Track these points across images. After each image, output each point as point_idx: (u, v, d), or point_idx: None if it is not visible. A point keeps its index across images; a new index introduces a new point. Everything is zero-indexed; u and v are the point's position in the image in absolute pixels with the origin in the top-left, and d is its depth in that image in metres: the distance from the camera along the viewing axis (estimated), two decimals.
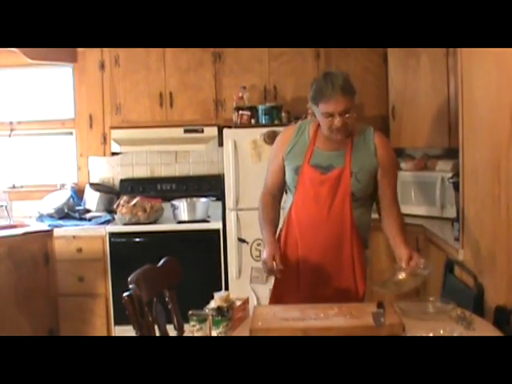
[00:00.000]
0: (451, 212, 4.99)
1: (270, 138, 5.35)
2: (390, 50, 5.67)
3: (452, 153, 4.56)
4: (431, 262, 4.76)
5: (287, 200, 3.69)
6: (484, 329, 2.83)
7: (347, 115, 3.35)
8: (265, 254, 3.45)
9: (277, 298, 3.59)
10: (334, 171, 3.47)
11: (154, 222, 5.81)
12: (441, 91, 5.20)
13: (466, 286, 3.45)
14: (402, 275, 3.27)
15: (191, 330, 2.90)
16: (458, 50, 3.80)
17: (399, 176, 5.57)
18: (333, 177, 3.46)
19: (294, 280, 3.57)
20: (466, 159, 3.76)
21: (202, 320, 2.90)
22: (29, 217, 6.27)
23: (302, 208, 3.54)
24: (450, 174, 4.98)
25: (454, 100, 4.97)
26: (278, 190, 3.71)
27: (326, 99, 3.33)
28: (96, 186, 6.30)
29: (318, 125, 3.53)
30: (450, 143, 5.09)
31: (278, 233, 3.68)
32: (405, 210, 5.57)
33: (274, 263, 3.39)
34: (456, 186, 4.40)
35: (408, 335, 2.73)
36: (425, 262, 3.27)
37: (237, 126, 5.60)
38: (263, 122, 5.65)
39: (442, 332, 2.73)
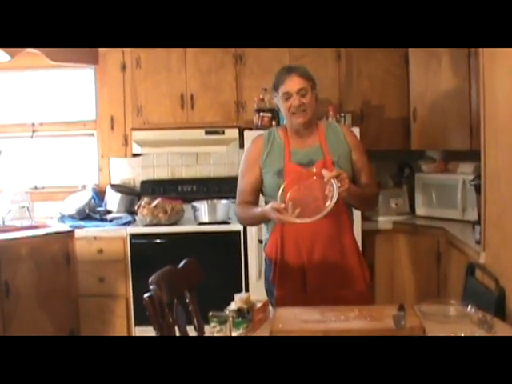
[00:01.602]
0: (472, 215, 4.96)
1: None
2: (411, 51, 5.65)
3: (473, 155, 4.53)
4: (452, 265, 4.75)
5: None
6: (505, 332, 2.80)
7: (305, 97, 3.54)
8: (273, 215, 3.33)
9: (282, 300, 3.54)
10: (318, 164, 3.53)
11: (175, 224, 5.82)
12: (462, 92, 5.17)
13: (487, 289, 3.42)
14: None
15: (211, 331, 2.90)
16: (480, 50, 3.77)
17: (420, 178, 5.60)
18: (319, 167, 3.48)
19: (300, 280, 3.57)
20: (488, 161, 3.73)
21: (223, 321, 2.90)
22: (50, 218, 6.30)
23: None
24: (471, 177, 4.95)
25: (475, 101, 4.94)
26: (254, 199, 3.73)
27: (282, 81, 3.56)
28: (117, 188, 6.32)
29: (286, 129, 3.70)
30: (471, 145, 5.06)
31: (265, 240, 3.73)
32: (426, 212, 5.61)
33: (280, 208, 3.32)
34: (477, 189, 4.37)
35: None
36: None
37: (258, 128, 5.58)
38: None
39: (462, 335, 2.72)
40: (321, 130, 3.67)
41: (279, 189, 3.46)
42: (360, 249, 3.79)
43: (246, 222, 3.95)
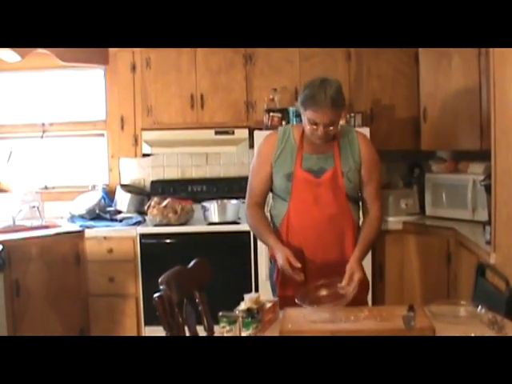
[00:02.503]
0: (483, 215, 4.95)
1: None
2: (421, 51, 5.63)
3: (484, 155, 4.52)
4: (462, 266, 4.74)
5: (276, 207, 3.72)
6: None
7: (331, 128, 3.40)
8: (280, 261, 3.43)
9: (284, 300, 3.47)
10: (327, 173, 3.54)
11: (185, 224, 5.82)
12: (473, 92, 5.15)
13: (497, 289, 3.41)
14: (324, 292, 3.24)
15: (221, 331, 2.90)
16: (491, 50, 3.76)
17: (430, 178, 5.58)
18: (328, 178, 3.53)
19: (302, 282, 3.53)
20: (498, 161, 3.73)
21: (232, 321, 2.90)
22: (60, 217, 6.32)
23: (303, 212, 3.57)
24: (481, 177, 4.94)
25: (485, 101, 4.92)
26: (264, 199, 3.74)
27: (315, 108, 3.35)
28: (127, 188, 6.33)
29: (303, 129, 3.56)
30: (481, 145, 5.04)
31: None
32: (436, 212, 5.59)
33: (292, 264, 3.38)
34: (488, 189, 4.36)
35: None
36: (353, 289, 3.29)
37: (267, 128, 5.58)
38: (294, 123, 5.62)
39: (472, 336, 2.71)
40: (338, 136, 3.57)
41: (287, 193, 3.54)
42: None
43: (254, 233, 3.86)
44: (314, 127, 3.40)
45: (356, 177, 3.58)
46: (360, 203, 3.73)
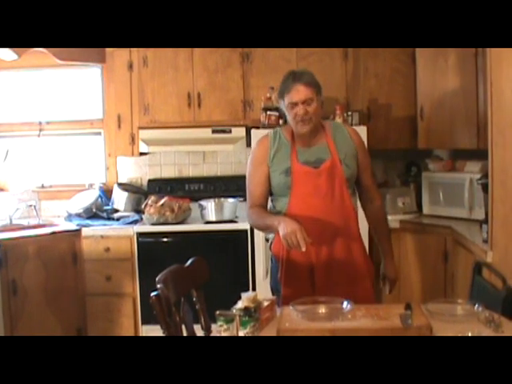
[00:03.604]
0: (480, 213, 4.95)
1: None
2: (418, 50, 5.64)
3: (481, 154, 4.52)
4: (459, 264, 4.75)
5: (276, 206, 3.73)
6: None
7: (310, 107, 3.56)
8: (284, 229, 3.28)
9: (289, 299, 3.39)
10: (326, 162, 3.61)
11: (182, 222, 5.82)
12: (469, 92, 5.15)
13: (494, 288, 3.42)
14: (322, 309, 3.12)
15: (218, 330, 2.90)
16: (487, 50, 3.77)
17: (427, 177, 5.59)
18: (327, 167, 3.60)
19: (307, 279, 3.60)
20: (495, 160, 3.73)
21: (230, 320, 2.90)
22: (57, 216, 6.32)
23: (304, 204, 3.60)
24: (478, 176, 4.94)
25: (482, 100, 4.93)
26: (264, 202, 3.75)
27: (288, 90, 3.57)
28: (124, 186, 6.33)
29: (292, 129, 3.69)
30: (478, 144, 5.05)
31: (271, 239, 3.76)
32: (433, 211, 5.60)
33: (299, 235, 3.25)
34: (485, 188, 4.37)
35: None
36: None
37: (265, 127, 5.58)
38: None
39: (469, 334, 2.72)
40: (327, 129, 3.71)
41: (287, 188, 3.57)
42: (365, 244, 3.88)
43: (258, 225, 3.81)
44: (295, 110, 3.56)
45: (353, 163, 3.68)
46: (353, 190, 3.81)
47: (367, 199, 3.85)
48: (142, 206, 5.87)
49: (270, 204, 3.79)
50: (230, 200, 5.92)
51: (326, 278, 3.58)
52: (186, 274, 3.37)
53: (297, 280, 3.58)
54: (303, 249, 3.24)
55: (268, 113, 5.63)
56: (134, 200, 6.20)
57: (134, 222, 5.90)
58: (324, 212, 3.58)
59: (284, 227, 3.30)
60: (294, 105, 3.55)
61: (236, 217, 5.84)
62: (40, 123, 6.50)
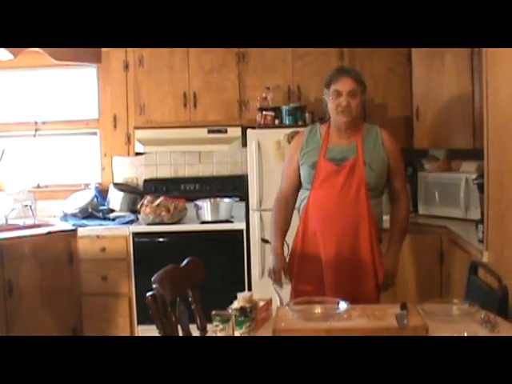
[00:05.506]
0: (475, 213, 4.96)
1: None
2: (414, 50, 5.64)
3: (476, 154, 4.53)
4: (455, 264, 4.75)
5: (301, 196, 3.91)
6: (508, 331, 2.81)
7: (353, 99, 3.75)
8: (272, 264, 3.84)
9: (300, 292, 3.70)
10: (349, 161, 3.72)
11: (178, 222, 5.82)
12: (465, 91, 5.15)
13: (490, 288, 3.42)
14: (318, 309, 3.12)
15: (214, 330, 2.91)
16: (483, 50, 3.77)
17: (423, 177, 5.59)
18: (348, 166, 3.71)
19: (318, 269, 3.73)
20: (491, 160, 3.73)
21: (225, 320, 2.91)
22: (53, 216, 6.31)
23: (320, 198, 3.75)
24: (474, 176, 4.95)
25: (478, 100, 4.93)
26: (292, 193, 3.94)
27: (336, 79, 3.78)
28: (120, 186, 6.33)
29: (329, 125, 3.86)
30: (474, 144, 5.05)
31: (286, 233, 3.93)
32: (428, 211, 5.60)
33: (283, 276, 3.78)
34: (480, 188, 4.37)
35: None
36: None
37: (260, 127, 5.59)
38: (287, 122, 5.64)
39: (465, 334, 2.72)
40: (362, 131, 3.84)
41: (310, 181, 3.75)
42: (379, 251, 3.84)
43: (271, 223, 4.05)
44: (339, 101, 3.74)
45: (380, 167, 3.78)
46: (381, 197, 3.91)
47: (394, 200, 3.98)
48: (138, 206, 5.87)
49: (299, 193, 3.95)
50: (226, 200, 5.92)
51: (334, 275, 3.68)
52: (182, 274, 3.37)
53: (308, 277, 3.76)
54: (280, 287, 3.82)
55: (264, 113, 5.64)
56: (130, 200, 6.20)
57: (130, 222, 5.89)
58: (336, 207, 3.70)
59: (270, 262, 3.87)
60: (338, 94, 3.74)
61: (232, 217, 5.85)
62: (36, 123, 6.50)
